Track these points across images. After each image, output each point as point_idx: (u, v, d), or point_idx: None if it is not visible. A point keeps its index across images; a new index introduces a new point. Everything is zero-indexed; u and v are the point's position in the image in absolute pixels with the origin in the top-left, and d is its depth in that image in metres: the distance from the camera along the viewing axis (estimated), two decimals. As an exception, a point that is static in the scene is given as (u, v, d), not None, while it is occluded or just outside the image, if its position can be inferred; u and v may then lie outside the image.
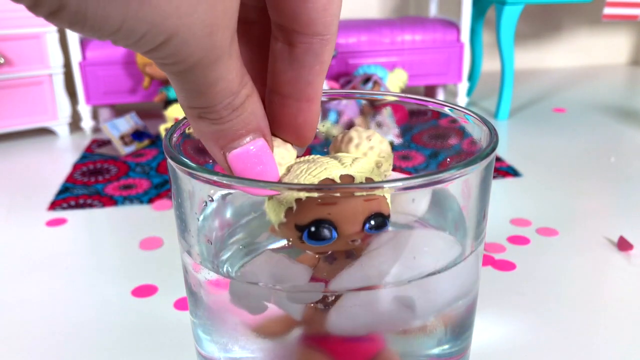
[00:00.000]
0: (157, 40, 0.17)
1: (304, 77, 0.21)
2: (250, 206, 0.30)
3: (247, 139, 0.21)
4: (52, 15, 0.15)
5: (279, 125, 0.22)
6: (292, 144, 0.23)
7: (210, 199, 0.26)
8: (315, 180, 0.23)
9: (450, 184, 0.23)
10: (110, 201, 0.72)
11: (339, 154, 0.25)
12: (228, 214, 0.29)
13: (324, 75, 0.21)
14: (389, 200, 0.25)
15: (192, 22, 0.17)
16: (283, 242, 0.27)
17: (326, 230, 0.23)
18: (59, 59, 0.96)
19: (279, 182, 0.23)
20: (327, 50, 0.20)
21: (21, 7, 0.91)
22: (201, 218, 0.27)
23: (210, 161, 0.32)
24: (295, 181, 0.23)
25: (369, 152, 0.26)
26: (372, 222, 0.23)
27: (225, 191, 0.25)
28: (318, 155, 0.25)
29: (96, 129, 1.03)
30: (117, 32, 0.16)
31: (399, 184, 0.22)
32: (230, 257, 0.29)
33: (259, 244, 0.31)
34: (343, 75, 1.06)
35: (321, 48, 0.20)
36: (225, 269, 0.28)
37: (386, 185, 0.22)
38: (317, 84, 0.21)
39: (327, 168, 0.23)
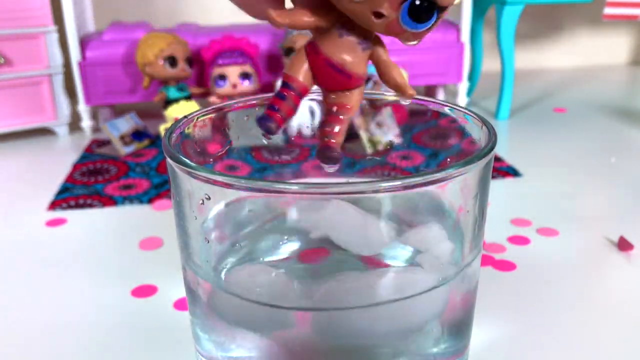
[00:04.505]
0: None
1: None
2: (250, 206, 0.30)
3: None
4: None
5: None
6: None
7: (207, 197, 0.26)
8: None
9: (448, 183, 0.23)
10: (110, 201, 0.72)
11: None
12: (227, 213, 0.29)
13: None
14: None
15: None
16: (283, 255, 0.27)
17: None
18: (59, 59, 0.96)
19: None
20: None
21: (21, 7, 0.89)
22: (200, 217, 0.27)
23: (210, 160, 0.32)
24: None
25: None
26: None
27: (224, 191, 0.25)
28: None
29: (96, 129, 1.03)
30: None
31: (398, 183, 0.22)
32: (232, 258, 0.29)
33: (259, 245, 0.31)
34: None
35: None
36: (223, 270, 0.28)
37: (385, 185, 0.22)
38: None
39: None
